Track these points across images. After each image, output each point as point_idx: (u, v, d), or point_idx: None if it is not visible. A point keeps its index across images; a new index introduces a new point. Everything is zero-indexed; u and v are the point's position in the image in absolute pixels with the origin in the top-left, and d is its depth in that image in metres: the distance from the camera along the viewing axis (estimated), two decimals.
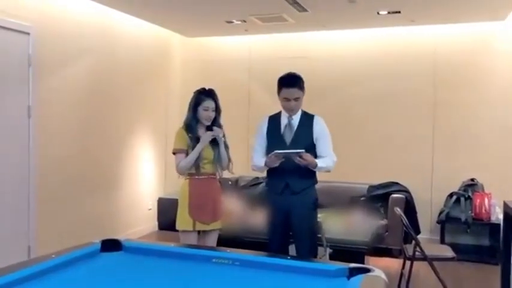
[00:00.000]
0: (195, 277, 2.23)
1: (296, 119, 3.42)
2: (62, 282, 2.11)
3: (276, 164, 3.28)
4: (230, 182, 6.44)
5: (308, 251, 3.33)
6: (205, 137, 3.43)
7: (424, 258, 3.93)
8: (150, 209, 6.43)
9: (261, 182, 6.32)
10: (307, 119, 3.43)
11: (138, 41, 6.04)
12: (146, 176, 6.34)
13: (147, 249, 2.57)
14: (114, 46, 5.58)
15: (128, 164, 5.95)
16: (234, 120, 6.78)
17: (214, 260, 2.38)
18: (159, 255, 2.50)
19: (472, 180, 5.61)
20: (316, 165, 3.28)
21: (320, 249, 3.87)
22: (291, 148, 3.30)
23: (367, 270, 2.16)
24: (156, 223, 6.55)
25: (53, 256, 2.29)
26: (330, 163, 3.38)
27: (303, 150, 3.19)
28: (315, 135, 3.38)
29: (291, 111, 3.40)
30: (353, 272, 2.18)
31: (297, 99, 3.34)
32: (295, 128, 3.39)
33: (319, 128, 3.41)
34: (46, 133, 4.60)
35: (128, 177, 5.96)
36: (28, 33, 4.35)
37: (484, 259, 5.22)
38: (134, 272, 2.31)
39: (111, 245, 2.57)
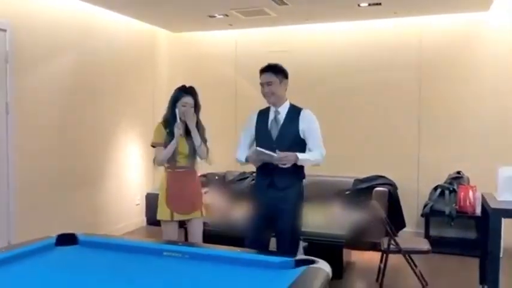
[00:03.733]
0: (142, 269, 2.25)
1: (283, 113, 3.38)
2: (7, 274, 2.12)
3: (258, 164, 3.32)
4: (217, 177, 6.45)
5: (288, 247, 3.27)
6: (175, 129, 3.53)
7: (399, 251, 3.92)
8: (138, 204, 6.45)
9: (247, 177, 6.32)
10: (294, 113, 3.38)
11: (121, 36, 6.03)
12: (134, 172, 6.36)
13: (102, 243, 2.59)
14: (95, 42, 5.57)
15: (115, 159, 5.97)
16: (221, 114, 6.81)
17: (165, 253, 2.40)
18: (113, 249, 2.52)
19: (458, 173, 5.56)
20: (296, 158, 3.21)
21: None
22: (277, 143, 3.28)
23: (313, 262, 2.15)
24: (145, 218, 6.58)
25: (3, 250, 2.31)
26: (317, 156, 3.30)
27: (275, 155, 3.14)
28: (301, 129, 3.33)
29: (267, 98, 3.39)
30: (300, 264, 2.18)
31: (269, 83, 3.33)
32: (281, 122, 3.37)
33: (306, 121, 3.35)
34: (25, 129, 4.62)
35: (115, 173, 5.98)
36: (5, 30, 4.37)
37: (469, 252, 5.17)
38: (83, 265, 2.33)
39: (67, 239, 2.59)
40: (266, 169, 3.33)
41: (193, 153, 3.63)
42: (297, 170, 3.32)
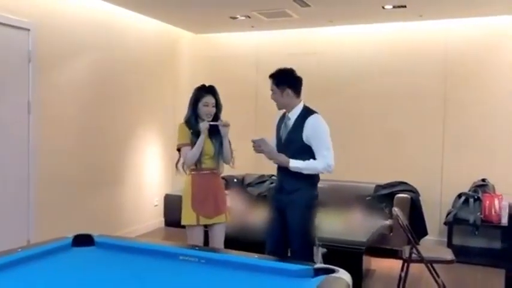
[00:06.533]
0: (157, 273, 2.21)
1: (292, 118, 3.31)
2: (23, 275, 2.11)
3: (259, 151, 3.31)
4: (236, 180, 6.40)
5: (300, 251, 3.23)
6: (203, 126, 3.44)
7: (421, 260, 3.80)
8: (156, 205, 6.45)
9: (266, 180, 6.25)
10: (302, 118, 3.28)
11: (143, 37, 6.04)
12: (153, 173, 6.36)
13: (118, 245, 2.55)
14: (117, 43, 5.60)
15: (134, 160, 5.98)
16: (241, 116, 6.75)
17: (181, 258, 2.35)
18: (129, 251, 2.48)
19: (483, 180, 5.40)
20: (287, 163, 3.18)
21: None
22: (285, 148, 3.27)
23: (332, 271, 2.08)
24: (163, 219, 6.57)
25: (19, 250, 2.30)
26: (318, 165, 3.18)
27: (262, 138, 3.24)
28: (305, 136, 3.22)
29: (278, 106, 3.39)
30: (319, 273, 2.11)
31: (272, 91, 3.34)
32: (289, 128, 3.31)
33: (310, 128, 3.23)
34: (46, 128, 4.65)
35: (134, 173, 5.99)
36: (28, 30, 4.40)
37: (494, 263, 5.01)
38: (98, 267, 2.30)
39: (83, 240, 2.56)
40: (278, 172, 3.37)
41: (218, 154, 3.54)
42: (307, 174, 3.23)
